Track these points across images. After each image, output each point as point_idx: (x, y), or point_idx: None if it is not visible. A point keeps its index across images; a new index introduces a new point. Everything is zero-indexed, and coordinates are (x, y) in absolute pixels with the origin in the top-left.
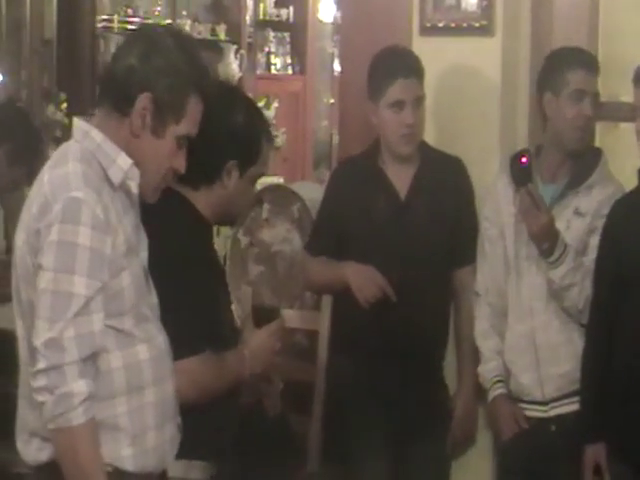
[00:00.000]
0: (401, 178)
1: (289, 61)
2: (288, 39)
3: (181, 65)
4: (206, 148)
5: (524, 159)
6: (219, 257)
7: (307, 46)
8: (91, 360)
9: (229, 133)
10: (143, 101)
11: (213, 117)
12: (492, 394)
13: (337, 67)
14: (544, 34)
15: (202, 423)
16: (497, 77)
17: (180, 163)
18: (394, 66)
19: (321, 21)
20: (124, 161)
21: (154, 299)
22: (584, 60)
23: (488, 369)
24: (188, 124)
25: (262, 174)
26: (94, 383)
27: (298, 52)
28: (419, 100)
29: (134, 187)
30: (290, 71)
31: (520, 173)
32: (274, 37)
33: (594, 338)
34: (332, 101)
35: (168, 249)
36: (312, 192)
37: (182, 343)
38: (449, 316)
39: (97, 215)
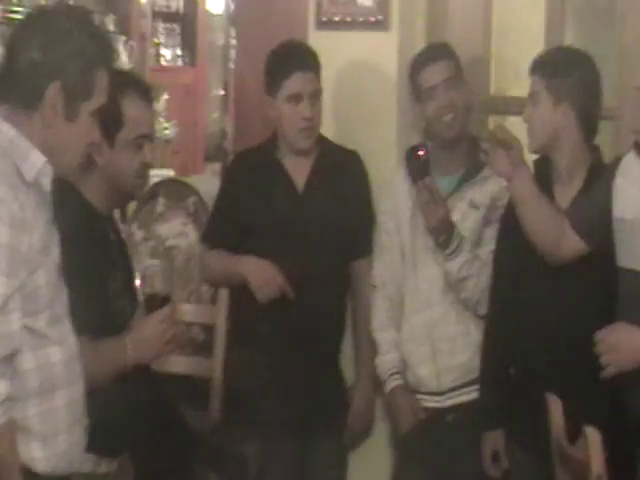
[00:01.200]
0: (299, 171)
1: (179, 53)
2: (178, 30)
3: (84, 45)
4: None
5: (421, 152)
6: (123, 244)
7: (197, 38)
8: (8, 360)
9: None
10: (52, 92)
11: None
12: (389, 385)
13: (231, 60)
14: (439, 29)
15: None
16: (393, 71)
17: (95, 136)
18: (291, 60)
19: (211, 13)
20: (37, 158)
21: (65, 297)
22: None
23: (385, 361)
24: (99, 97)
25: (142, 136)
26: (11, 384)
27: (188, 44)
28: (316, 94)
29: (46, 185)
30: (180, 63)
31: (417, 167)
32: (164, 28)
33: (493, 328)
34: (222, 93)
35: None
36: (208, 186)
37: None
38: (346, 308)
39: (14, 213)
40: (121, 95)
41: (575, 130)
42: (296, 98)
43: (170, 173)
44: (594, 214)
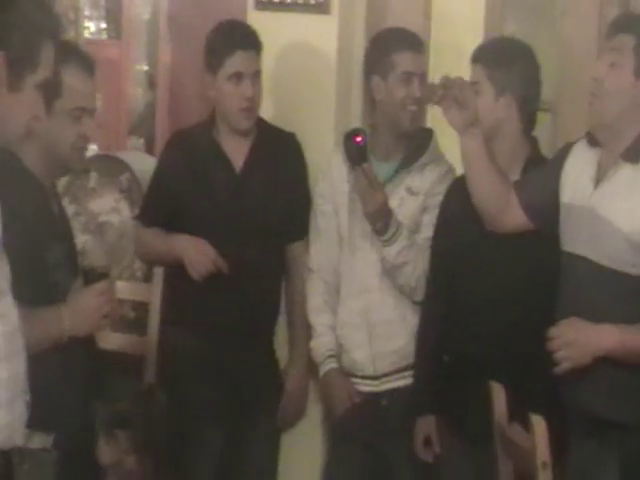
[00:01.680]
0: (237, 151)
1: (104, 26)
2: (103, 3)
3: (31, 15)
4: None
5: (359, 139)
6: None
7: (122, 11)
8: None
9: None
10: None
11: None
12: (324, 369)
13: (161, 35)
14: (379, 13)
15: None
16: (333, 55)
17: (40, 109)
18: (233, 38)
19: None
20: None
21: (7, 270)
22: (409, 41)
23: (320, 344)
24: (45, 70)
25: (80, 108)
26: None
27: (113, 17)
28: (257, 74)
29: None
30: (105, 36)
31: (355, 152)
32: (87, 1)
33: (429, 314)
34: (146, 68)
35: None
36: (141, 162)
37: None
38: (281, 290)
39: None
40: (62, 64)
41: (516, 121)
42: (237, 77)
43: (93, 147)
44: (541, 194)
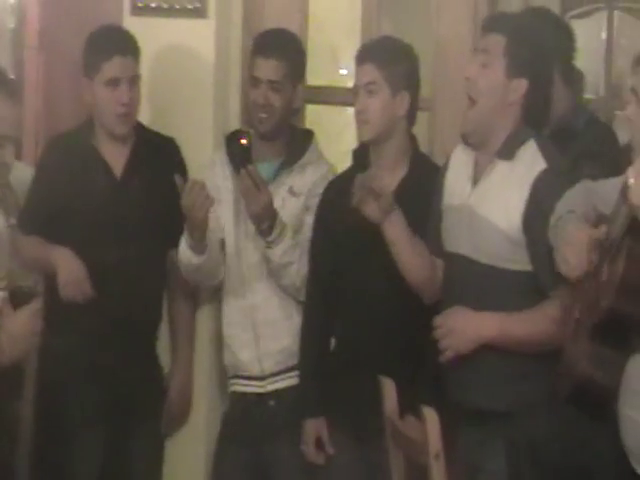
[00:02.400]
0: (116, 157)
1: None
2: None
3: None
4: None
5: (243, 140)
6: None
7: None
8: None
9: None
10: None
11: None
12: None
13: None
14: (256, 17)
15: None
16: (210, 59)
17: None
18: (111, 43)
19: None
20: None
21: None
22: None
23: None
24: None
25: (1, 136)
26: None
27: None
28: (135, 79)
29: None
30: None
31: (240, 154)
32: None
33: (311, 313)
34: (12, 77)
35: None
36: (16, 170)
37: None
38: (162, 295)
39: None
40: None
41: (405, 119)
42: (114, 82)
43: None
44: (439, 228)
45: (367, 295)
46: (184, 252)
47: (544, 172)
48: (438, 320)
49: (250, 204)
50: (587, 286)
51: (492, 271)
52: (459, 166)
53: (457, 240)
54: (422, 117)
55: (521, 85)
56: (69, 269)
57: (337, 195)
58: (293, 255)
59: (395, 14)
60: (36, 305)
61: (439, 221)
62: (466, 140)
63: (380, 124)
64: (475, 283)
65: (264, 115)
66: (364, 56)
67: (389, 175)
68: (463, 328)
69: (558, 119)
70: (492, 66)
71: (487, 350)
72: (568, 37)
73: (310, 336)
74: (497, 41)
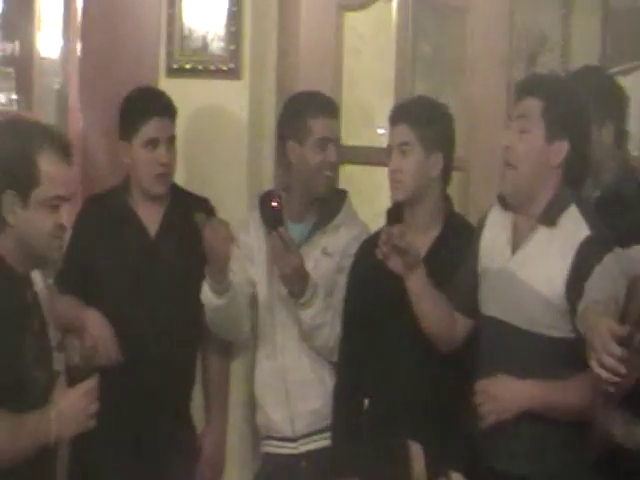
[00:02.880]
0: (151, 217)
1: (14, 97)
2: (14, 75)
3: None
4: None
5: (274, 202)
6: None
7: (33, 82)
8: None
9: None
10: None
11: None
12: None
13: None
14: (290, 78)
15: None
16: (244, 119)
17: None
18: (148, 105)
19: (46, 57)
20: None
21: None
22: (324, 106)
23: None
24: None
25: (58, 197)
26: None
27: (24, 88)
28: (172, 139)
29: None
30: (15, 107)
31: (271, 216)
32: None
33: (344, 374)
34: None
35: None
36: None
37: None
38: (197, 356)
39: None
40: (38, 151)
41: (439, 180)
42: (153, 143)
43: None
44: (470, 286)
45: (400, 356)
46: (205, 293)
47: (588, 239)
48: (480, 386)
49: (281, 266)
50: None
51: (533, 337)
52: (497, 228)
53: (496, 304)
54: (456, 177)
55: (562, 148)
56: (97, 332)
57: (370, 255)
58: (325, 316)
59: (429, 73)
60: (91, 383)
61: (473, 281)
62: (504, 202)
63: (413, 185)
64: (515, 349)
65: (330, 173)
66: (398, 116)
67: (422, 234)
68: (505, 395)
69: (609, 183)
70: (531, 131)
71: (530, 417)
72: (620, 97)
73: (343, 397)
74: (534, 105)
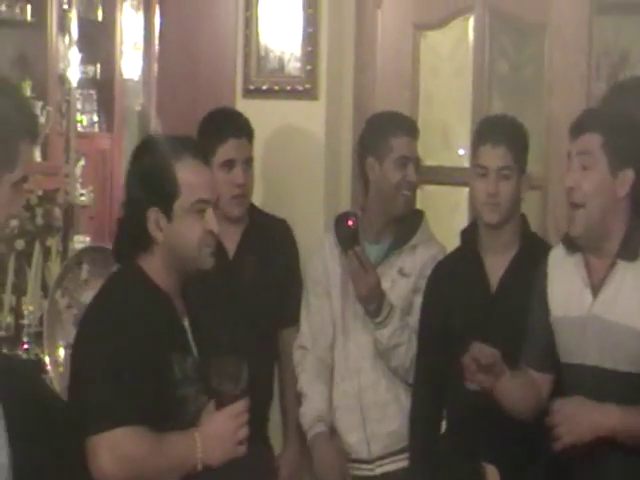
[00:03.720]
0: (229, 238)
1: (96, 119)
2: (95, 96)
3: (9, 113)
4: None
5: (350, 222)
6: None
7: (114, 103)
8: None
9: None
10: None
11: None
12: (312, 432)
13: (150, 126)
14: (366, 98)
15: None
16: (321, 139)
17: (19, 209)
18: (225, 126)
19: (128, 78)
20: None
21: None
22: (406, 126)
23: (309, 409)
24: (22, 169)
25: (201, 200)
26: None
27: (105, 109)
28: (249, 161)
29: None
30: (97, 129)
31: (347, 236)
32: (80, 94)
33: (421, 396)
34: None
35: (102, 320)
36: None
37: (104, 414)
38: (274, 376)
39: None
40: (175, 161)
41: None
42: (230, 164)
43: (86, 239)
44: (547, 343)
45: None
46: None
47: None
48: (556, 405)
49: (357, 285)
50: None
51: (632, 377)
52: (566, 274)
53: (583, 352)
54: (534, 196)
55: (628, 177)
56: None
57: (445, 276)
58: (402, 336)
59: (505, 91)
60: (239, 407)
61: (549, 336)
62: (571, 244)
63: (510, 208)
64: (612, 392)
65: (408, 192)
66: (497, 138)
67: (499, 257)
68: (582, 416)
69: None
70: (594, 167)
71: (619, 446)
72: None
73: (420, 419)
74: (593, 140)
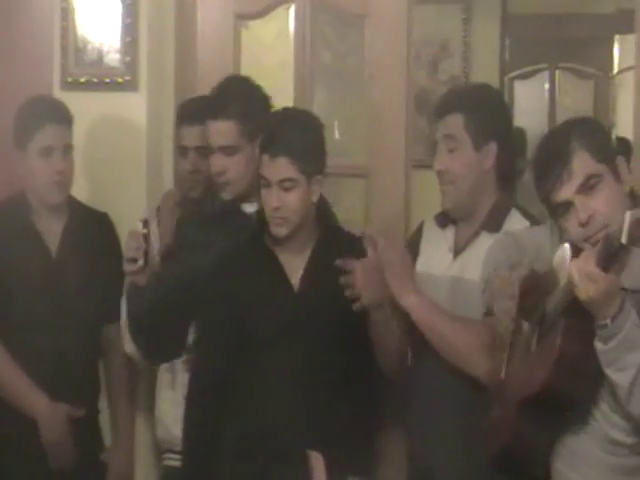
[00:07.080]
0: (51, 233)
1: None
2: None
3: None
4: None
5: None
6: None
7: None
8: None
9: None
10: None
11: None
12: None
13: None
14: (188, 89)
15: None
16: (142, 131)
17: None
18: (43, 112)
19: None
20: None
21: None
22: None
23: None
24: None
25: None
26: None
27: None
28: (68, 148)
29: None
30: None
31: None
32: None
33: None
34: None
35: None
36: None
37: None
38: (99, 370)
39: None
40: None
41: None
42: (48, 151)
43: None
44: None
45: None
46: None
47: None
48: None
49: None
50: (518, 354)
51: None
52: (435, 242)
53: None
54: (358, 183)
55: (491, 150)
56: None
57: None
58: None
59: (329, 81)
60: None
61: None
62: (442, 220)
63: (299, 217)
64: None
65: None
66: (277, 149)
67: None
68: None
69: None
70: (459, 148)
71: None
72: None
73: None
74: (456, 121)
